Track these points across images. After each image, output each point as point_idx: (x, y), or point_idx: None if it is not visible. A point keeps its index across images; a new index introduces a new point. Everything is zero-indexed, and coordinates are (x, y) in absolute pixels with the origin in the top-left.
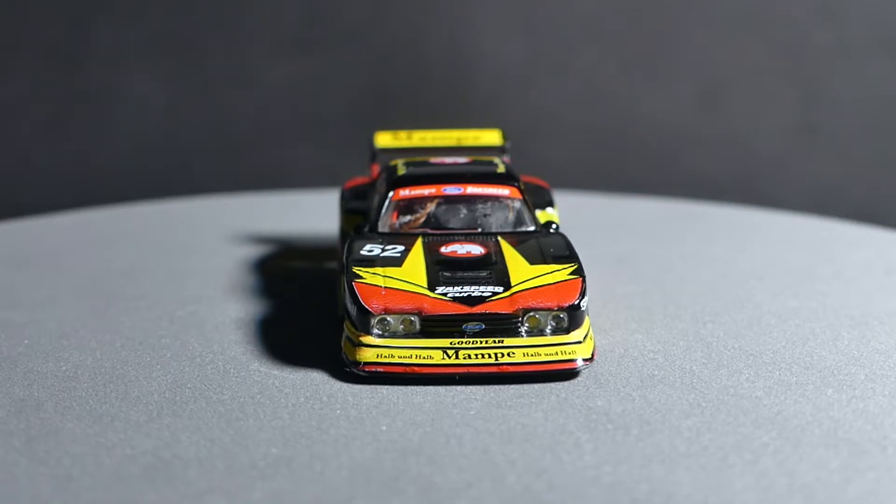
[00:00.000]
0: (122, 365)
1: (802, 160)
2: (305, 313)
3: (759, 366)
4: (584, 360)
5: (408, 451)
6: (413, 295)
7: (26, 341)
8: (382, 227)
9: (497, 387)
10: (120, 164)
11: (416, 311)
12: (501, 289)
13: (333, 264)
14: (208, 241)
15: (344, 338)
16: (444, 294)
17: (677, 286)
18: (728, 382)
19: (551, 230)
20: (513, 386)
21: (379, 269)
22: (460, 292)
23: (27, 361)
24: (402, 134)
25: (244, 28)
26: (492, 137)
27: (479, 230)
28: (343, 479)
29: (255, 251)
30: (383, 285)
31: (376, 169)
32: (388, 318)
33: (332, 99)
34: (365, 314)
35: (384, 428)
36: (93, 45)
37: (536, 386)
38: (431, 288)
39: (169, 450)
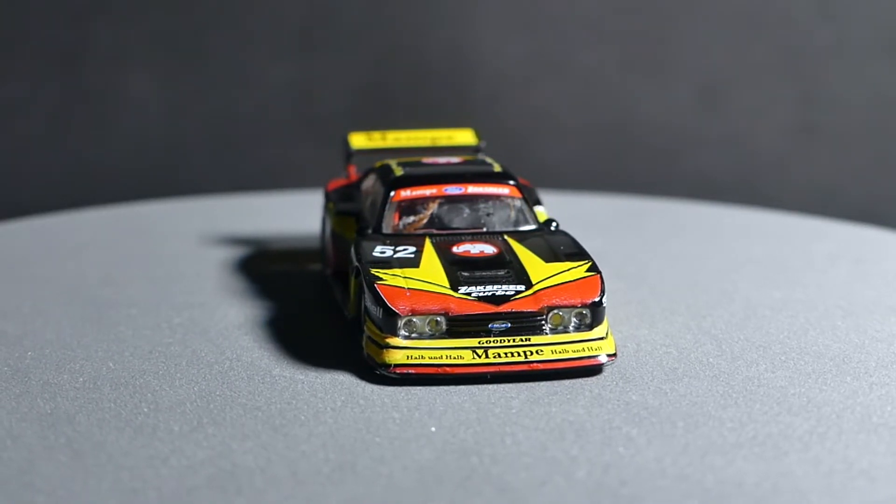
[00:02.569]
0: (141, 374)
1: (802, 160)
2: (308, 315)
3: (771, 356)
4: (608, 355)
5: (467, 451)
6: (438, 295)
7: (30, 353)
8: (386, 228)
9: (527, 384)
10: (120, 164)
11: (443, 312)
12: (523, 287)
13: (317, 266)
14: (192, 244)
15: (365, 340)
16: (469, 294)
17: (662, 282)
18: (749, 374)
19: (551, 228)
20: (542, 383)
21: (398, 271)
22: (484, 291)
23: (40, 374)
24: (376, 134)
25: (244, 28)
26: (465, 137)
27: (484, 229)
28: (414, 482)
29: (236, 253)
30: (407, 286)
31: (353, 170)
32: (415, 320)
33: (332, 99)
34: (392, 316)
35: (433, 429)
36: (93, 45)
37: (566, 382)
38: (454, 288)
39: (226, 459)
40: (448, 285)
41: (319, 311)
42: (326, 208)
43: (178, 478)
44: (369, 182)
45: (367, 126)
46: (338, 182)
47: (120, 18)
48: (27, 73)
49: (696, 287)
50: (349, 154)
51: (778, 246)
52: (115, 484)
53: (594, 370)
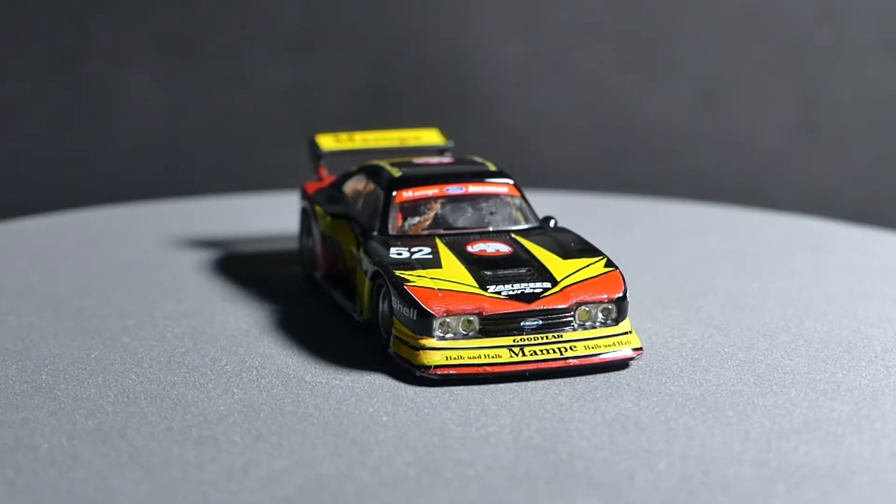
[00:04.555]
0: (172, 386)
1: (802, 160)
2: (312, 318)
3: (782, 344)
4: (635, 349)
5: (542, 449)
6: (470, 295)
7: (46, 368)
8: (391, 229)
9: (563, 380)
10: (120, 164)
11: (477, 312)
12: (549, 284)
13: (295, 268)
14: (167, 248)
15: (394, 341)
16: (499, 293)
17: (642, 276)
18: (770, 361)
19: (550, 225)
20: (577, 378)
21: (422, 272)
22: (513, 290)
23: (65, 389)
24: (344, 136)
25: (244, 28)
26: (432, 137)
27: (490, 228)
28: (505, 481)
29: (208, 257)
30: (437, 287)
31: (324, 171)
32: (449, 320)
33: (332, 99)
34: (427, 317)
35: (494, 428)
36: (93, 45)
37: (600, 377)
38: (483, 287)
39: (306, 468)
40: (476, 285)
41: (321, 313)
42: (312, 211)
43: (267, 489)
44: (358, 183)
45: (367, 126)
46: (316, 184)
47: (120, 18)
48: (27, 73)
49: (675, 280)
50: (319, 156)
51: (732, 239)
52: (202, 499)
53: (622, 364)
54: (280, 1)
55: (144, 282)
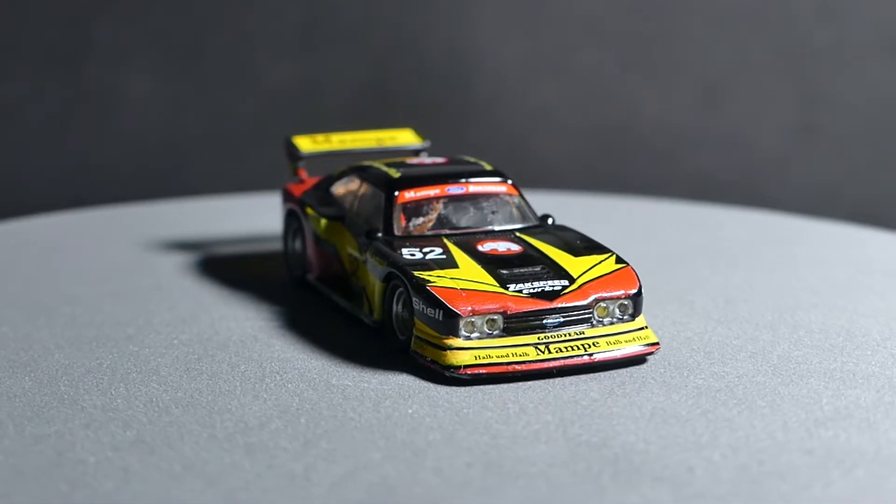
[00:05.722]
0: (199, 393)
1: (802, 160)
2: (315, 320)
3: (785, 335)
4: (652, 344)
5: (593, 444)
6: (493, 294)
7: (62, 379)
8: (396, 230)
9: (588, 376)
10: (120, 164)
11: (501, 311)
12: (567, 282)
13: (276, 270)
14: (139, 251)
15: (417, 342)
16: (520, 291)
17: None
18: (780, 352)
19: (548, 223)
20: (602, 374)
21: (441, 272)
22: (533, 288)
23: (90, 400)
24: (320, 137)
25: (244, 28)
26: (407, 137)
27: (495, 228)
28: (572, 478)
29: (191, 258)
30: (459, 287)
31: (304, 173)
32: (474, 319)
33: (333, 99)
34: (453, 317)
35: (539, 426)
36: (93, 45)
37: (622, 371)
38: (504, 286)
39: (368, 472)
40: (497, 284)
41: (322, 315)
42: (302, 213)
43: (336, 494)
44: (350, 185)
45: (367, 126)
46: (299, 186)
47: (120, 18)
48: (27, 73)
49: (659, 275)
50: (298, 157)
51: (706, 235)
52: None
53: (641, 359)
54: (280, 1)
55: (131, 287)
